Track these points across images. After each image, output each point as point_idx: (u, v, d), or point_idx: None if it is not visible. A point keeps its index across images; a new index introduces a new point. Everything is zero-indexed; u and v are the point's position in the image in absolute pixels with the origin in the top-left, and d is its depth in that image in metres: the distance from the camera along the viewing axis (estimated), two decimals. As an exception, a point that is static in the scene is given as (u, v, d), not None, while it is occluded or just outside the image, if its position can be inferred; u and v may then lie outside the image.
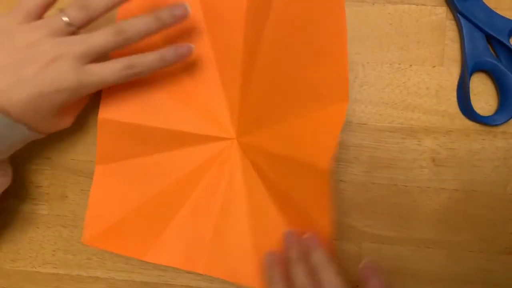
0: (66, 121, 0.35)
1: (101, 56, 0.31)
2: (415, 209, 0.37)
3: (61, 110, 0.32)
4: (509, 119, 0.36)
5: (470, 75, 0.36)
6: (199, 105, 0.37)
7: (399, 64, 0.37)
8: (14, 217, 0.39)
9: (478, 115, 0.36)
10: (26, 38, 0.30)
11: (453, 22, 0.37)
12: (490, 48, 0.36)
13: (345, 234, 0.37)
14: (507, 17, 0.36)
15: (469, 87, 0.36)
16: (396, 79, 0.37)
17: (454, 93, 0.37)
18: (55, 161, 0.39)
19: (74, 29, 0.31)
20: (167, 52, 0.33)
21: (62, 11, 0.31)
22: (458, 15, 0.36)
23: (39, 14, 0.31)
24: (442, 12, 0.37)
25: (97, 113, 0.36)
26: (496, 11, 0.36)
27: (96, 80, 0.31)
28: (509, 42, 0.35)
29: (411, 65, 0.37)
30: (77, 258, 0.39)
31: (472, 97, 0.36)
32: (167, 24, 0.32)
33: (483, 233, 0.37)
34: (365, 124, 0.37)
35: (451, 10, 0.37)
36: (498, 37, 0.35)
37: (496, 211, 0.37)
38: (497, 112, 0.36)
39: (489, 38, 0.36)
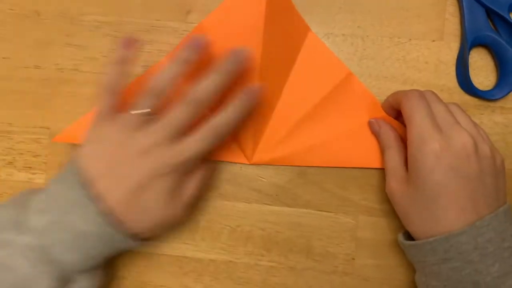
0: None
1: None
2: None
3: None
4: (507, 94, 0.36)
5: (470, 49, 0.36)
6: None
7: (399, 38, 0.37)
8: (11, 186, 0.39)
9: (477, 89, 0.36)
10: (121, 137, 0.30)
11: (454, -3, 0.37)
12: (490, 23, 0.36)
13: (342, 207, 0.37)
14: (508, -9, 0.36)
15: (468, 62, 0.36)
16: (396, 52, 0.37)
17: (454, 68, 0.37)
18: (53, 131, 0.39)
19: (153, 114, 0.31)
20: (241, 98, 0.32)
21: (135, 105, 0.31)
22: (459, -11, 0.36)
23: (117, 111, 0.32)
24: (443, -13, 0.37)
25: (93, 86, 0.36)
26: (497, -14, 0.36)
27: (189, 155, 0.30)
28: (509, 16, 0.35)
29: (410, 39, 0.37)
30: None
31: (471, 72, 0.36)
32: (232, 73, 0.32)
33: (479, 208, 0.37)
34: (364, 97, 0.37)
35: None
36: (498, 11, 0.35)
37: (493, 186, 0.37)
38: (496, 86, 0.36)
39: (489, 13, 0.36)
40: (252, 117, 0.36)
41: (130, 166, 0.30)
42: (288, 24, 0.37)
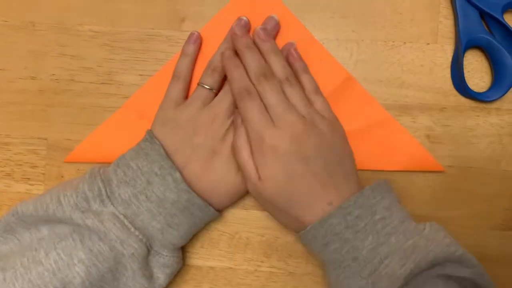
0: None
1: None
2: (410, 186, 0.37)
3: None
4: (503, 95, 0.36)
5: (464, 51, 0.36)
6: None
7: (393, 41, 0.37)
8: (10, 197, 0.39)
9: (472, 91, 0.36)
10: (188, 113, 0.34)
11: (447, 0, 0.37)
12: (484, 24, 0.36)
13: (341, 211, 0.37)
14: (501, -7, 0.36)
15: (463, 64, 0.36)
16: (391, 56, 0.37)
17: (449, 70, 0.37)
18: (51, 142, 0.39)
19: (216, 91, 0.35)
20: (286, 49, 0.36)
21: (200, 83, 0.35)
22: (452, -9, 0.36)
23: (185, 97, 0.36)
24: (436, -10, 0.37)
25: (90, 96, 0.37)
26: (490, -12, 0.36)
27: None
28: (503, 18, 0.35)
29: (405, 43, 0.37)
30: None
31: (466, 74, 0.36)
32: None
33: (477, 209, 0.37)
34: (360, 101, 0.37)
35: None
36: (492, 13, 0.35)
37: (490, 187, 0.37)
38: (491, 88, 0.37)
39: (483, 14, 0.36)
40: None
41: (201, 136, 0.33)
42: (284, 30, 0.37)
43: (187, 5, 0.38)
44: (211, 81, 0.35)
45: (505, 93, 0.36)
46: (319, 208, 0.31)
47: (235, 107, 0.34)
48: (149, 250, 0.32)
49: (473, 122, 0.37)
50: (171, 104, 0.35)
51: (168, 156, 0.32)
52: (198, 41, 0.37)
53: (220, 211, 0.35)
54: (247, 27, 0.36)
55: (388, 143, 0.37)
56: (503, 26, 0.35)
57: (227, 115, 0.34)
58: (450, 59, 0.37)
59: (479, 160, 0.37)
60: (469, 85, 0.36)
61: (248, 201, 0.38)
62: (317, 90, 0.35)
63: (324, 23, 0.37)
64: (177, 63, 0.36)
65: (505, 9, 0.36)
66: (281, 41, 0.37)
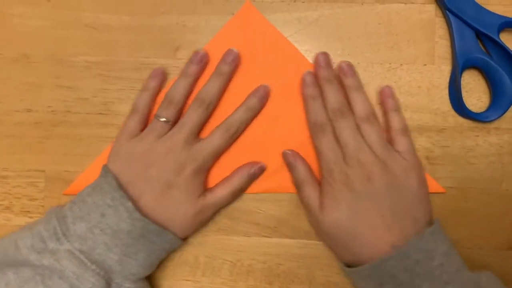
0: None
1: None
2: (411, 209, 0.37)
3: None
4: (501, 115, 0.36)
5: (461, 72, 0.36)
6: None
7: (390, 63, 0.37)
8: (10, 231, 0.39)
9: (471, 112, 0.36)
10: (142, 146, 0.34)
11: (443, 20, 0.37)
12: (480, 45, 0.36)
13: (342, 235, 0.37)
14: (496, 12, 0.35)
15: (460, 85, 0.36)
16: (388, 78, 0.37)
17: (446, 91, 0.37)
18: (49, 174, 0.39)
19: (172, 123, 0.35)
20: (249, 100, 0.36)
21: (156, 115, 0.35)
22: (447, 12, 0.36)
23: (142, 129, 0.36)
24: (431, 10, 0.37)
25: (87, 127, 0.36)
26: (485, 7, 0.35)
27: (207, 153, 0.35)
28: (499, 38, 0.35)
29: (401, 64, 0.37)
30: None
31: (464, 94, 0.36)
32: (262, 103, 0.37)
33: (479, 230, 0.37)
34: (358, 125, 0.37)
35: (440, 8, 0.37)
36: (488, 33, 0.35)
37: (492, 207, 0.36)
38: (489, 108, 0.36)
39: (479, 35, 0.36)
40: (248, 147, 0.37)
41: (156, 169, 0.34)
42: (279, 55, 0.37)
43: (182, 33, 0.38)
44: (167, 113, 0.35)
45: (504, 112, 0.36)
46: (380, 248, 0.30)
47: (192, 139, 0.34)
48: (109, 283, 0.32)
49: (473, 142, 0.36)
50: (126, 136, 0.35)
51: (122, 188, 0.33)
52: (159, 77, 0.37)
53: (184, 239, 0.35)
54: (330, 59, 0.36)
55: None
56: (500, 46, 0.35)
57: (182, 147, 0.34)
58: (447, 79, 0.37)
59: (480, 180, 0.36)
60: (467, 106, 0.36)
61: (250, 228, 0.37)
62: (405, 131, 0.34)
63: (320, 47, 0.37)
64: (137, 96, 0.37)
65: (501, 28, 0.35)
66: (276, 67, 0.37)
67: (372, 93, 0.37)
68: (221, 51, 0.36)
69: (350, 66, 0.35)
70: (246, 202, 0.37)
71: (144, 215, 0.32)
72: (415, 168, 0.33)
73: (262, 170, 0.37)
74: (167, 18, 0.38)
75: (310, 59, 0.37)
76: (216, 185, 0.36)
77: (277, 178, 0.37)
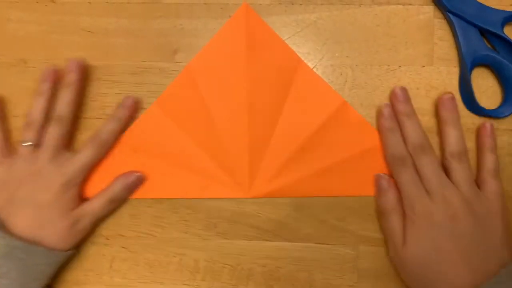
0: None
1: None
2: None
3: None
4: (516, 109, 0.35)
5: (470, 71, 0.35)
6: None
7: (388, 65, 0.37)
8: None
9: (485, 109, 0.36)
10: (11, 172, 0.35)
11: (441, 21, 0.37)
12: (486, 42, 0.36)
13: (342, 238, 0.37)
14: (497, 8, 0.35)
15: (471, 85, 0.35)
16: (386, 80, 0.37)
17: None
18: (47, 178, 0.38)
19: (35, 143, 0.35)
20: (118, 111, 0.36)
21: (20, 141, 0.35)
22: (448, 13, 0.36)
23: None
24: (429, 11, 0.37)
25: (85, 131, 0.36)
26: (485, 4, 0.35)
27: (75, 168, 0.35)
28: (504, 33, 0.35)
29: (400, 66, 0.37)
30: (73, 274, 0.38)
31: (475, 93, 0.36)
32: (126, 116, 0.37)
33: (480, 231, 0.36)
34: (357, 127, 0.37)
35: (440, 10, 0.37)
36: (492, 30, 0.35)
37: (492, 209, 0.36)
38: (502, 104, 0.36)
39: (483, 32, 0.36)
40: (247, 151, 0.36)
41: (25, 190, 0.34)
42: (276, 57, 0.37)
43: (180, 36, 0.38)
44: (29, 136, 0.35)
45: (518, 107, 0.35)
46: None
47: (58, 156, 0.35)
48: None
49: (472, 143, 0.36)
50: None
51: None
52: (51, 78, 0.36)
53: (74, 249, 0.36)
54: (408, 94, 0.36)
55: (386, 169, 0.36)
56: (505, 40, 0.35)
57: (49, 165, 0.34)
58: (445, 81, 0.37)
59: (480, 181, 0.36)
60: (480, 104, 0.35)
61: (250, 232, 0.37)
62: (496, 173, 0.34)
63: (318, 49, 0.37)
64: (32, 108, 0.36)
65: (505, 22, 0.35)
66: (273, 69, 0.37)
67: (370, 94, 0.37)
68: (219, 53, 0.36)
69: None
70: (245, 205, 0.37)
71: (19, 235, 0.32)
72: (502, 212, 0.32)
73: (140, 180, 0.37)
74: (165, 21, 0.38)
75: (309, 62, 0.37)
76: (94, 196, 0.36)
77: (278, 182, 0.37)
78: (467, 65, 0.35)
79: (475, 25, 0.35)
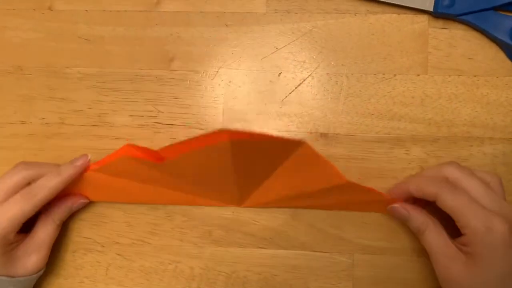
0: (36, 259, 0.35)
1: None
2: (406, 219, 0.37)
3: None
4: None
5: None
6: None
7: (383, 74, 0.37)
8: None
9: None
10: None
11: (436, 30, 0.37)
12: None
13: (337, 246, 0.37)
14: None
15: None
16: (381, 89, 0.37)
17: (440, 101, 0.37)
18: (43, 185, 0.38)
19: None
20: (64, 168, 0.34)
21: None
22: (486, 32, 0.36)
23: None
24: (424, 20, 0.37)
25: (81, 139, 0.36)
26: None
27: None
28: None
29: (395, 75, 0.37)
30: (69, 282, 0.38)
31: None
32: (71, 175, 0.34)
33: (474, 240, 0.37)
34: (353, 135, 0.37)
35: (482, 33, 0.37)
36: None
37: (486, 217, 0.36)
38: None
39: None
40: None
41: None
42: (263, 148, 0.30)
43: (176, 44, 0.38)
44: None
45: None
46: None
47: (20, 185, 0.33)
48: None
49: (467, 152, 0.37)
50: None
51: None
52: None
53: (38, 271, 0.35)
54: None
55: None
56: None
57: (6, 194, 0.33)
58: (440, 90, 0.37)
59: (474, 190, 0.36)
60: None
61: (245, 239, 0.37)
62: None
63: (313, 58, 0.37)
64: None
65: None
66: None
67: (365, 103, 0.37)
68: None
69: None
70: (241, 213, 0.37)
71: None
72: None
73: (84, 205, 0.37)
74: (161, 29, 0.38)
75: (305, 70, 0.37)
76: (38, 222, 0.35)
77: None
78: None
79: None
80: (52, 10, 0.39)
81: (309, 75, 0.37)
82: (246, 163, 0.31)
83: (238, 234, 0.37)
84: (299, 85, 0.37)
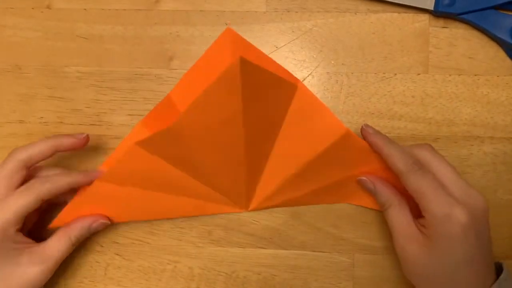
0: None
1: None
2: (406, 219, 0.36)
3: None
4: None
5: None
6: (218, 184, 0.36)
7: (384, 73, 0.37)
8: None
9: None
10: None
11: (436, 29, 0.37)
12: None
13: (337, 246, 0.37)
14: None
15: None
16: (382, 88, 0.37)
17: (440, 100, 0.37)
18: (41, 185, 0.38)
19: None
20: (80, 175, 0.34)
21: None
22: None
23: None
24: (425, 19, 0.37)
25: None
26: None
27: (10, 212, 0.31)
28: None
29: (396, 74, 0.37)
30: (68, 282, 0.38)
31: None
32: (79, 179, 0.33)
33: (475, 239, 0.36)
34: (353, 134, 0.37)
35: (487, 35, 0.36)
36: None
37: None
38: None
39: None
40: (244, 172, 0.34)
41: None
42: (271, 80, 0.32)
43: (175, 43, 0.38)
44: None
45: None
46: None
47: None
48: None
49: (467, 151, 0.36)
50: None
51: None
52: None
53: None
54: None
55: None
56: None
57: None
58: (441, 89, 0.37)
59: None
60: None
61: (244, 239, 0.37)
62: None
63: (314, 57, 0.37)
64: None
65: None
66: (268, 92, 0.32)
67: (366, 102, 0.37)
68: (204, 80, 0.32)
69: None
70: (240, 213, 0.37)
71: None
72: None
73: (105, 226, 0.35)
74: (161, 28, 0.38)
75: (305, 69, 0.37)
76: (52, 237, 0.33)
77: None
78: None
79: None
80: (50, 9, 0.38)
81: (309, 74, 0.37)
82: (255, 103, 0.31)
83: (237, 234, 0.37)
84: (299, 84, 0.37)
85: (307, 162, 0.35)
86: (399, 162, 0.31)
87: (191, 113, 0.30)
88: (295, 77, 0.34)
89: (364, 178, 0.35)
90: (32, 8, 0.39)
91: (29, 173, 0.33)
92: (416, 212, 0.32)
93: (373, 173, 0.35)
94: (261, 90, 0.31)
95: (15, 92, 0.38)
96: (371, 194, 0.35)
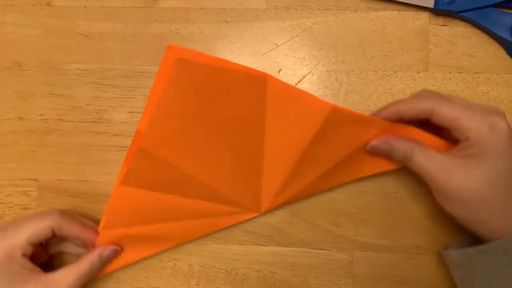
0: None
1: None
2: (406, 216, 0.37)
3: None
4: None
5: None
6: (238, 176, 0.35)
7: (384, 71, 0.37)
8: (2, 241, 0.38)
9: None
10: None
11: (436, 27, 0.37)
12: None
13: (337, 244, 0.37)
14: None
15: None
16: (381, 86, 0.37)
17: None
18: (41, 183, 0.38)
19: None
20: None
21: None
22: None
23: None
24: (425, 17, 0.37)
25: (79, 135, 0.36)
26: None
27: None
28: None
29: (395, 72, 0.37)
30: (68, 279, 0.38)
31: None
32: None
33: (474, 237, 0.36)
34: (352, 132, 0.37)
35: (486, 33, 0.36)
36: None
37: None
38: None
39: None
40: (241, 176, 0.34)
41: None
42: (236, 81, 0.31)
43: (175, 41, 0.38)
44: None
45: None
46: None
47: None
48: None
49: (467, 149, 0.36)
50: None
51: None
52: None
53: None
54: None
55: None
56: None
57: None
58: (441, 87, 0.37)
59: (474, 187, 0.36)
60: None
61: (244, 237, 0.37)
62: None
63: (313, 55, 0.37)
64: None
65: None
66: (238, 93, 0.31)
67: (366, 100, 0.37)
68: (168, 111, 0.30)
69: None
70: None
71: None
72: None
73: (116, 252, 0.35)
74: (160, 26, 0.38)
75: (305, 67, 0.37)
76: (61, 269, 0.33)
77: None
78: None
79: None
80: (50, 6, 0.38)
81: (309, 72, 0.37)
82: (221, 103, 0.31)
83: (237, 231, 0.37)
84: (299, 81, 0.37)
85: (304, 150, 0.33)
86: (423, 102, 0.31)
87: (152, 128, 0.30)
88: (263, 72, 0.31)
89: (374, 142, 0.33)
90: (32, 5, 0.39)
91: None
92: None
93: (378, 135, 0.33)
94: (224, 89, 0.30)
95: (14, 89, 0.38)
96: (386, 156, 0.33)
